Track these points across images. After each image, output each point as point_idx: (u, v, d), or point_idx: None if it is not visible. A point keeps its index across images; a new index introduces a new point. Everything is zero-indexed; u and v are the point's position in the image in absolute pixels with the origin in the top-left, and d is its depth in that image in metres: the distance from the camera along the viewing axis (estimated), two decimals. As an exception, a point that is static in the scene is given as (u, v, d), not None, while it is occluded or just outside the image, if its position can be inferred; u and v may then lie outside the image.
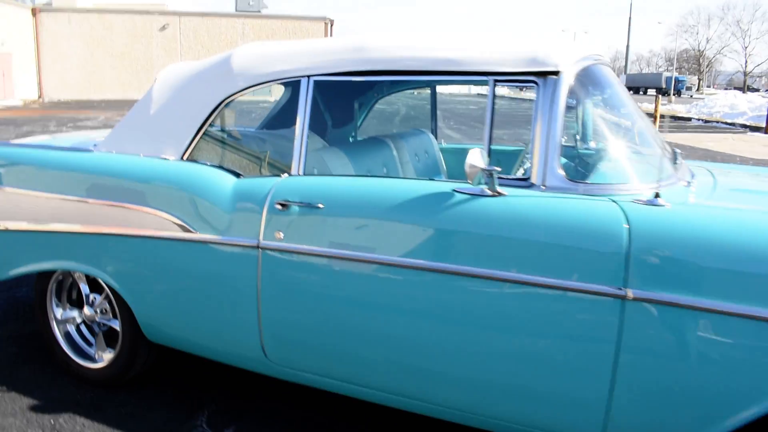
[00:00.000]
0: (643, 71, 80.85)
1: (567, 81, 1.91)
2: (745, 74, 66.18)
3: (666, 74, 53.24)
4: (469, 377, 1.92)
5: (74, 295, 2.83)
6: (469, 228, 1.86)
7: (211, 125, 2.40)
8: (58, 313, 2.79)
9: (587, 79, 2.02)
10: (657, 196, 1.78)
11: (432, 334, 1.93)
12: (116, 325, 2.65)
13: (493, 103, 1.98)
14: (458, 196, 1.91)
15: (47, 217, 2.56)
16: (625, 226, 1.72)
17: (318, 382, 2.23)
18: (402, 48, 2.11)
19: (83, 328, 2.83)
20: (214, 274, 2.26)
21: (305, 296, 2.11)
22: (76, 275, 2.71)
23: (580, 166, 2.30)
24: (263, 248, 2.14)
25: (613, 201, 1.79)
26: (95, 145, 2.69)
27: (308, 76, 2.23)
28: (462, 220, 1.88)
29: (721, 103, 21.85)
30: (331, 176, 2.28)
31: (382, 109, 3.61)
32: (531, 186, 1.89)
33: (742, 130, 18.09)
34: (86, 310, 2.71)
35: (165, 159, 2.43)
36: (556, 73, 1.91)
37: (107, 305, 2.68)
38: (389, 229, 1.97)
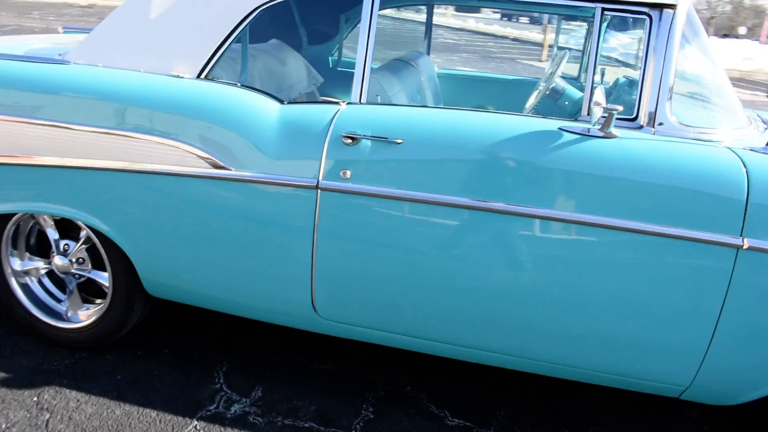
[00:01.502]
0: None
1: (682, 17, 1.78)
2: None
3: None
4: (567, 329, 1.81)
5: (32, 242, 2.31)
6: (581, 170, 1.71)
7: (237, 37, 1.98)
8: (15, 263, 2.26)
9: (693, 19, 1.91)
10: (767, 145, 1.75)
11: (533, 285, 1.78)
12: (101, 277, 2.21)
13: (599, 37, 1.81)
14: (567, 136, 1.74)
15: (9, 148, 2.02)
16: (744, 174, 1.67)
17: (373, 336, 2.02)
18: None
19: (46, 281, 2.33)
20: (254, 219, 1.91)
21: (372, 244, 1.85)
22: (42, 219, 2.19)
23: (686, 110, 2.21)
24: (323, 188, 1.83)
25: (730, 149, 1.73)
26: (60, 55, 2.14)
27: (377, -8, 1.89)
28: (573, 161, 1.72)
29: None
30: (406, 106, 1.99)
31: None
32: (640, 128, 1.78)
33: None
34: (57, 259, 2.21)
35: (178, 77, 1.98)
36: (672, 6, 1.77)
37: (84, 254, 2.22)
38: (484, 171, 1.76)
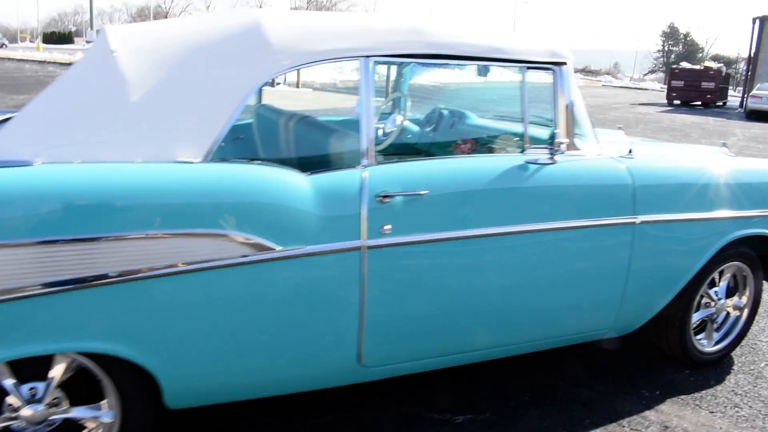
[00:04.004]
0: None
1: (571, 66, 2.45)
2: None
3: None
4: (538, 312, 2.35)
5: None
6: (545, 188, 2.25)
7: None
8: None
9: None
10: (630, 151, 2.58)
11: (528, 284, 2.27)
12: (88, 413, 1.80)
13: (524, 88, 2.35)
14: (531, 167, 2.25)
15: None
16: (627, 171, 2.45)
17: (411, 368, 2.20)
18: (457, 35, 2.19)
19: (-12, 447, 1.76)
20: (301, 292, 1.89)
21: (416, 285, 2.06)
22: None
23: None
24: (369, 247, 1.95)
25: (613, 158, 2.49)
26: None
27: (367, 56, 2.03)
28: (537, 184, 2.24)
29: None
30: (417, 161, 2.16)
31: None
32: (560, 152, 2.38)
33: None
34: (26, 410, 1.71)
35: (189, 162, 1.77)
36: (565, 63, 2.42)
37: (59, 393, 1.77)
38: (488, 202, 2.15)
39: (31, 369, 1.73)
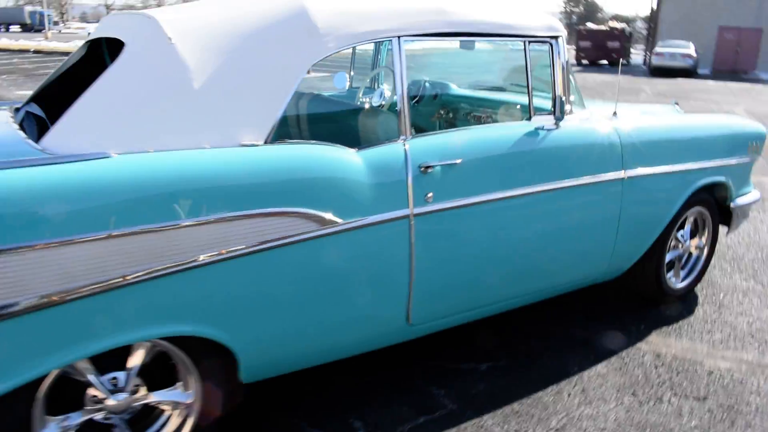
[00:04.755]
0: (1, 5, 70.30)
1: (564, 40, 2.67)
2: (107, 7, 64.87)
3: (29, 8, 48.09)
4: (556, 260, 2.62)
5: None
6: (552, 152, 2.49)
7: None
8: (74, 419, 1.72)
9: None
10: (615, 113, 2.84)
11: (546, 238, 2.52)
12: (168, 397, 1.89)
13: (528, 62, 2.54)
14: (541, 133, 2.47)
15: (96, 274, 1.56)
16: (616, 131, 2.73)
17: (449, 323, 2.41)
18: (473, 14, 2.34)
19: (76, 434, 1.81)
20: (359, 260, 2.03)
21: (458, 245, 2.25)
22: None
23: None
24: (416, 214, 2.11)
25: (601, 121, 2.75)
26: (27, 142, 1.67)
27: (398, 37, 2.15)
28: (547, 148, 2.47)
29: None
30: (447, 133, 2.31)
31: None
32: (558, 117, 2.60)
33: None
34: (111, 401, 1.77)
35: (254, 145, 1.85)
36: (560, 36, 2.63)
37: (138, 380, 1.84)
38: (509, 166, 2.36)
39: (110, 359, 1.77)
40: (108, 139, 1.71)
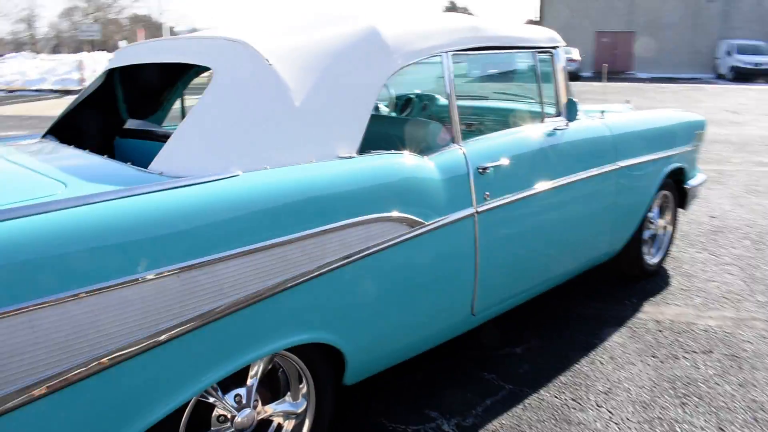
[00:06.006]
0: None
1: (563, 50, 2.99)
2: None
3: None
4: (580, 244, 2.95)
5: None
6: (566, 149, 2.80)
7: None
8: None
9: None
10: (602, 113, 3.21)
11: (572, 226, 2.85)
12: (289, 407, 1.98)
13: (537, 71, 2.83)
14: (557, 133, 2.77)
15: (229, 290, 1.61)
16: (607, 127, 3.10)
17: (503, 308, 2.65)
18: (500, 29, 2.61)
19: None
20: (438, 258, 2.21)
21: (510, 237, 2.50)
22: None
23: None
24: (479, 211, 2.32)
25: (594, 119, 3.11)
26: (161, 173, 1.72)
27: (446, 52, 2.36)
28: (563, 146, 2.78)
29: (10, 71, 21.52)
30: (488, 137, 2.53)
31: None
32: (570, 119, 2.92)
33: (56, 95, 18.71)
34: (239, 418, 1.83)
35: (350, 157, 1.98)
36: (559, 46, 2.95)
37: (254, 394, 1.90)
38: (543, 163, 2.64)
39: (232, 376, 1.80)
40: (220, 160, 1.78)
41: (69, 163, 2.07)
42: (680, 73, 27.60)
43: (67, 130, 2.62)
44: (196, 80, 3.06)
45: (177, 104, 3.00)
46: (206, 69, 2.79)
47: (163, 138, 2.50)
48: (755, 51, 25.05)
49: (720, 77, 26.34)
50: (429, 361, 2.77)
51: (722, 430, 2.30)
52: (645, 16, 28.47)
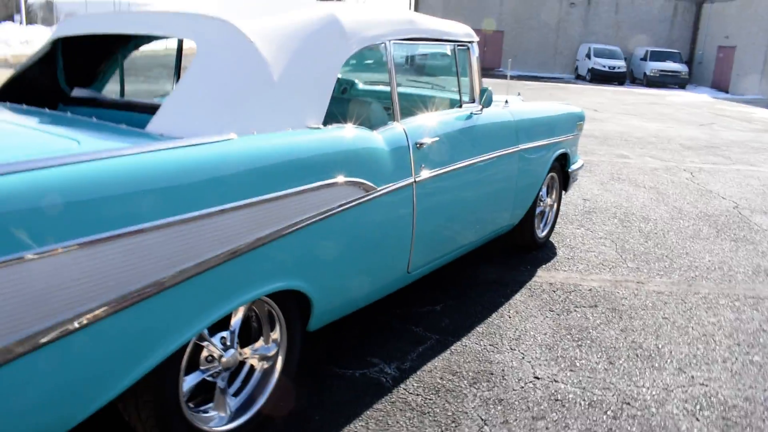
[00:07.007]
0: None
1: (476, 44, 3.38)
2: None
3: None
4: (488, 216, 3.36)
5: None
6: (481, 131, 3.22)
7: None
8: (189, 381, 1.91)
9: None
10: (506, 102, 3.66)
11: (484, 198, 3.25)
12: (264, 350, 2.19)
13: (457, 62, 3.20)
14: (474, 116, 3.17)
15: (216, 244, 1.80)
16: (510, 114, 3.56)
17: (428, 269, 2.98)
18: (430, 23, 2.93)
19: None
20: (384, 220, 2.51)
21: (445, 203, 2.86)
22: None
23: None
24: (417, 181, 2.64)
25: (500, 107, 3.55)
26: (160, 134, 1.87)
27: (390, 40, 2.65)
28: (479, 128, 3.19)
29: None
30: (421, 117, 2.82)
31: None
32: (485, 105, 3.33)
33: None
34: (225, 358, 2.02)
35: (318, 128, 2.21)
36: (474, 41, 3.34)
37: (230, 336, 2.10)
38: (465, 142, 3.02)
39: (218, 322, 1.98)
40: (213, 124, 1.96)
41: (71, 124, 2.10)
42: (544, 72, 29.94)
43: (13, 93, 2.60)
44: (140, 51, 3.11)
45: (116, 74, 3.03)
46: (149, 40, 2.89)
47: (111, 105, 2.59)
48: (611, 55, 27.78)
49: (579, 78, 28.89)
50: (363, 318, 3.07)
51: (612, 363, 2.82)
52: (513, 17, 30.47)
